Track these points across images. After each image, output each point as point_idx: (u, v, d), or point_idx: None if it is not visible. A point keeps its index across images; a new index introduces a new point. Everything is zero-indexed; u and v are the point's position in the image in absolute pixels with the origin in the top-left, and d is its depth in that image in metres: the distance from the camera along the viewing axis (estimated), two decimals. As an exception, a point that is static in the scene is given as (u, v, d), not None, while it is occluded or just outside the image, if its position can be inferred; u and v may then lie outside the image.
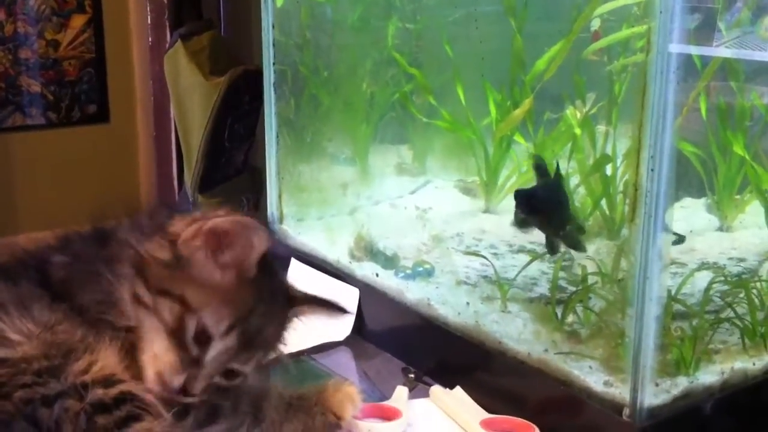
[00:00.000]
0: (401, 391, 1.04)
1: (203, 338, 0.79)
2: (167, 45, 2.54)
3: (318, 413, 0.93)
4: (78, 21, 2.88)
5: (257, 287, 0.82)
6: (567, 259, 1.13)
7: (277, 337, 0.88)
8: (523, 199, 1.08)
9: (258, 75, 1.45)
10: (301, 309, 0.91)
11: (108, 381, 0.75)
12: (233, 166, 2.56)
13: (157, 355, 0.79)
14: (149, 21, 2.79)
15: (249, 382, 0.94)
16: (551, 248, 1.10)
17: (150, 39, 2.82)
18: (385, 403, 1.02)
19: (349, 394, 0.95)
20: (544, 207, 1.08)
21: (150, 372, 0.79)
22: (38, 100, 2.87)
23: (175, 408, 0.80)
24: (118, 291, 0.80)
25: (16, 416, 0.72)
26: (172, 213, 0.86)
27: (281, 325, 0.88)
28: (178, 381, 0.79)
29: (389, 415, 0.99)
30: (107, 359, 0.77)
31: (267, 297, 0.83)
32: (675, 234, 1.09)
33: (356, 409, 0.95)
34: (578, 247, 1.09)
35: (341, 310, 0.95)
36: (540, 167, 1.12)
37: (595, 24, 1.22)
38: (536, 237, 1.27)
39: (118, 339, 0.79)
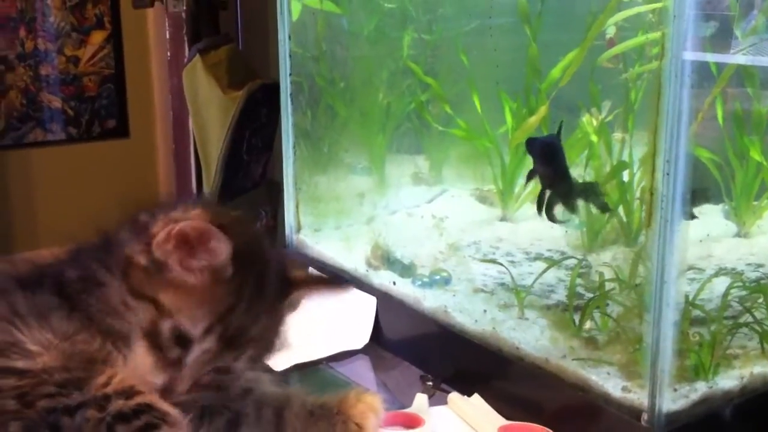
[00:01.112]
0: (421, 399, 1.04)
1: (182, 340, 0.80)
2: (185, 59, 2.57)
3: (339, 422, 0.92)
4: (97, 37, 2.91)
5: (236, 286, 0.81)
6: (584, 267, 1.13)
7: (272, 331, 0.86)
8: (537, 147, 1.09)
9: (275, 88, 1.46)
10: (301, 293, 0.90)
11: (128, 392, 0.76)
12: (251, 179, 2.57)
13: (137, 357, 0.79)
14: (167, 36, 2.82)
15: (267, 389, 0.95)
16: (571, 208, 1.11)
17: (168, 53, 2.84)
18: (407, 411, 1.01)
19: (372, 405, 0.93)
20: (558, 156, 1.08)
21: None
22: (59, 115, 2.90)
23: (192, 414, 0.81)
24: (114, 298, 0.81)
25: (40, 423, 0.73)
26: (160, 211, 0.85)
27: (274, 318, 0.86)
28: (159, 381, 0.79)
29: (412, 423, 0.98)
30: (126, 371, 0.78)
31: (251, 294, 0.82)
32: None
33: (379, 420, 0.93)
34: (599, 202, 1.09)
35: (342, 285, 0.94)
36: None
37: (611, 31, 1.22)
38: (554, 243, 1.27)
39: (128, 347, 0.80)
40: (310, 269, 0.94)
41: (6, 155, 2.77)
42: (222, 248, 0.79)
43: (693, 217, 1.06)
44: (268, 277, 0.85)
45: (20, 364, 0.76)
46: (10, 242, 2.73)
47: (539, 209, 1.11)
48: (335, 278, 0.94)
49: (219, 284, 0.81)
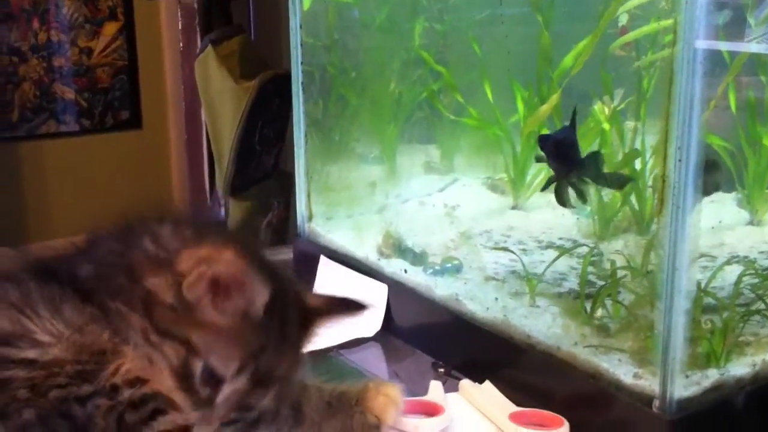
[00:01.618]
0: (436, 386, 1.04)
1: (213, 380, 0.78)
2: (198, 50, 2.58)
3: (358, 413, 0.92)
4: (110, 29, 2.93)
5: (266, 326, 0.80)
6: (596, 255, 1.13)
7: (294, 366, 0.85)
8: (551, 144, 1.09)
9: (288, 79, 1.46)
10: (321, 321, 0.88)
11: (135, 382, 0.76)
12: (263, 169, 2.58)
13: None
14: (180, 27, 2.83)
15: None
16: (582, 196, 1.10)
17: (181, 45, 2.85)
18: (425, 398, 1.01)
19: (392, 397, 0.93)
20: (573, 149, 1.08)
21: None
22: (72, 107, 2.92)
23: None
24: (134, 327, 0.79)
25: (52, 412, 0.74)
26: (186, 241, 0.82)
27: (296, 354, 0.85)
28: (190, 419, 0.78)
29: (431, 411, 0.98)
30: (134, 362, 0.79)
31: (278, 331, 0.81)
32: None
33: (399, 413, 0.93)
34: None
35: (363, 307, 0.91)
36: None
37: (623, 19, 1.22)
38: (565, 231, 1.27)
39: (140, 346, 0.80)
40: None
41: (20, 146, 2.78)
42: (260, 292, 0.78)
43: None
44: (291, 310, 0.84)
45: (31, 354, 0.77)
46: (24, 233, 2.74)
47: (558, 200, 1.11)
48: (353, 301, 0.92)
49: (250, 326, 0.79)
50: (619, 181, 1.14)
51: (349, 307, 0.91)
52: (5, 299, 0.81)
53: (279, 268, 0.87)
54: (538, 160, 1.18)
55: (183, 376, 0.78)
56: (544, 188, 1.12)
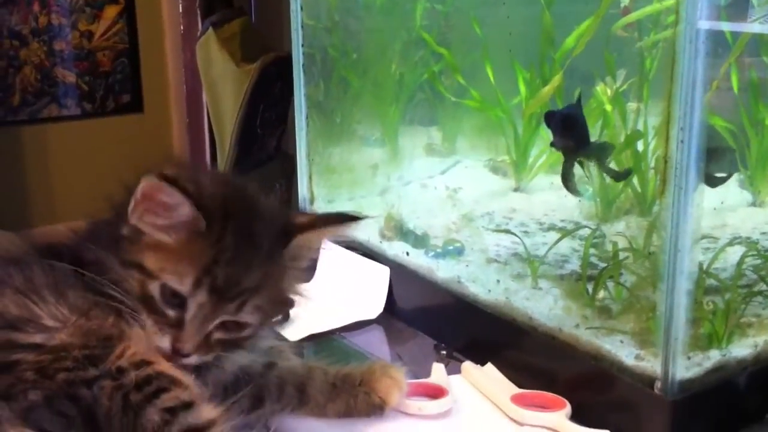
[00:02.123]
0: (439, 369, 1.05)
1: (177, 300, 0.81)
2: (198, 33, 2.57)
3: (362, 393, 0.93)
4: (111, 12, 2.91)
5: (216, 238, 0.81)
6: (598, 236, 1.13)
7: (274, 279, 0.86)
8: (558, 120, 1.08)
9: (289, 61, 1.45)
10: (307, 236, 0.88)
11: (139, 364, 0.77)
12: (265, 152, 2.58)
13: (143, 327, 0.81)
14: (180, 9, 2.82)
15: (289, 364, 0.95)
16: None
17: (182, 27, 2.84)
18: (428, 381, 1.02)
19: (397, 380, 0.94)
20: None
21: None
22: (73, 90, 2.91)
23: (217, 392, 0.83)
24: (114, 274, 0.83)
25: (58, 393, 0.74)
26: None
27: (273, 266, 0.86)
28: (163, 343, 0.81)
29: (434, 393, 0.98)
30: (138, 344, 0.80)
31: (236, 243, 0.82)
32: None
33: (403, 395, 0.94)
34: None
35: (351, 219, 0.90)
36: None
37: (625, 0, 1.21)
38: (567, 213, 1.27)
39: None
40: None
41: (21, 131, 2.78)
42: (178, 202, 0.80)
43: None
44: (257, 226, 0.85)
45: (38, 339, 0.78)
46: (27, 217, 2.74)
47: (564, 182, 1.10)
48: (342, 215, 0.91)
49: (197, 239, 0.81)
50: (620, 176, 1.13)
51: (338, 219, 0.91)
52: (11, 284, 0.82)
53: (252, 191, 0.90)
54: (553, 144, 1.16)
55: (145, 300, 0.81)
56: (564, 181, 1.11)
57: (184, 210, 0.81)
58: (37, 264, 0.84)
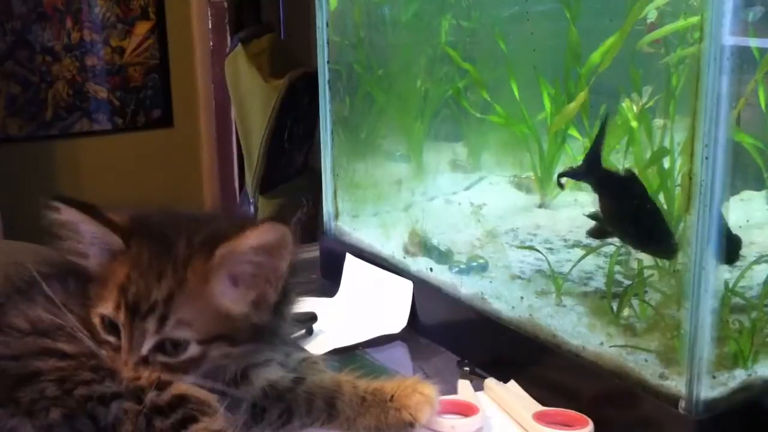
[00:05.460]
0: (465, 385, 1.04)
1: (112, 326, 0.81)
2: (228, 49, 2.60)
3: (392, 409, 0.91)
4: (142, 28, 2.95)
5: (132, 257, 0.82)
6: (622, 254, 1.12)
7: (196, 290, 0.81)
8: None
9: (317, 77, 1.46)
10: (231, 245, 0.82)
11: (158, 384, 0.77)
12: (293, 167, 2.59)
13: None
14: (210, 26, 2.85)
15: (318, 378, 0.94)
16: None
17: (211, 43, 2.87)
18: (456, 398, 1.01)
19: (428, 397, 0.92)
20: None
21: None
22: (105, 105, 2.95)
23: (227, 401, 0.81)
24: None
25: (78, 412, 0.75)
26: None
27: (191, 276, 0.82)
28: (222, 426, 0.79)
29: (464, 411, 0.98)
30: None
31: (146, 260, 0.81)
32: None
33: (434, 413, 0.92)
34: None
35: (273, 225, 0.83)
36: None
37: (652, 16, 1.20)
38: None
39: None
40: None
41: (53, 145, 2.82)
42: (79, 220, 0.83)
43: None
44: (170, 239, 0.83)
45: (64, 347, 0.79)
46: (58, 230, 2.78)
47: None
48: (264, 220, 0.85)
49: (117, 260, 0.83)
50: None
51: (259, 225, 0.83)
52: (47, 295, 0.84)
53: (172, 209, 0.91)
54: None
55: (93, 331, 0.82)
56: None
57: (90, 228, 0.83)
58: (70, 274, 0.87)
